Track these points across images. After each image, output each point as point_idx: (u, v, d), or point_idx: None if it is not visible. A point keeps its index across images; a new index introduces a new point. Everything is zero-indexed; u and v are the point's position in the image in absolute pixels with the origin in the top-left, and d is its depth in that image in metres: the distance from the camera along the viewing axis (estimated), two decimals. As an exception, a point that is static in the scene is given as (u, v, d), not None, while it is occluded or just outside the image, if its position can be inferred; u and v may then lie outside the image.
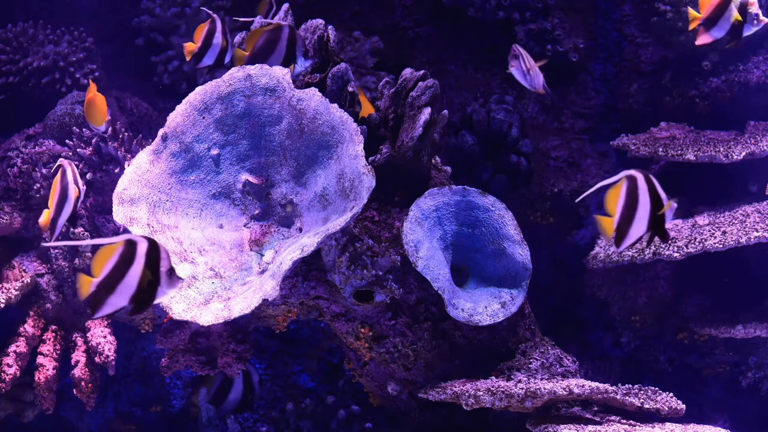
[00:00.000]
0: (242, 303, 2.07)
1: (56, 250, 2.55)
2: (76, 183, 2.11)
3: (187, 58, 2.26)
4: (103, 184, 2.55)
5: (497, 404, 2.06)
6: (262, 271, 2.19)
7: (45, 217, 2.11)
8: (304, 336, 2.84)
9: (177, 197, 2.28)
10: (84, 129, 2.59)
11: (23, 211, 2.60)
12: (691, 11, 2.26)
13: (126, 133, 2.61)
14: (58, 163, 2.12)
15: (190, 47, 2.24)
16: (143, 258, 1.65)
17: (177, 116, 2.30)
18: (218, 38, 2.22)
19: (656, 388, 2.22)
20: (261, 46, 2.16)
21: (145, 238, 1.66)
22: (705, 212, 2.58)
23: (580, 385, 2.03)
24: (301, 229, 2.27)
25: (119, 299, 1.67)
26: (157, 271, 1.67)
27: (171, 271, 1.69)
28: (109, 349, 2.46)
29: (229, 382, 2.60)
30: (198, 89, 2.32)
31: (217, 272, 2.21)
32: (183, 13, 2.95)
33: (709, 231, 2.41)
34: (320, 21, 2.40)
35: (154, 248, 1.66)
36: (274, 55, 2.16)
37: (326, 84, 2.32)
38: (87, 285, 1.65)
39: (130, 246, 1.65)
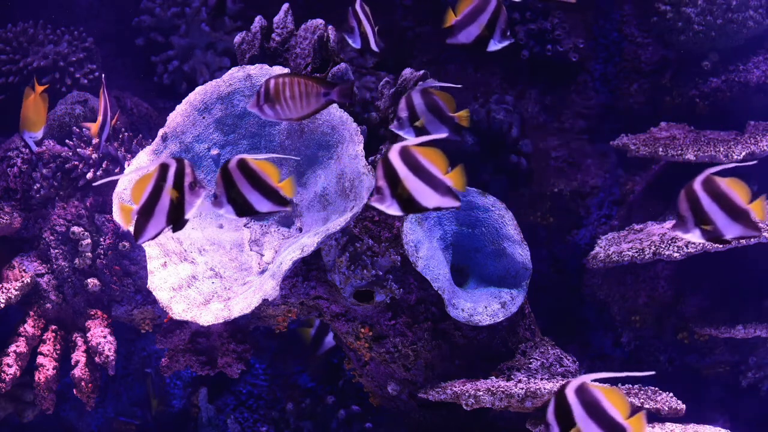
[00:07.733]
0: (242, 303, 2.07)
1: (56, 250, 2.55)
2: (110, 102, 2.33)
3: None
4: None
5: (497, 404, 2.06)
6: (262, 271, 2.19)
7: (94, 128, 2.37)
8: (305, 336, 2.83)
9: (177, 197, 2.28)
10: (84, 129, 2.59)
11: (23, 211, 2.59)
12: None
13: (126, 133, 2.61)
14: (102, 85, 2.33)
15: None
16: (172, 178, 1.70)
17: (177, 116, 2.30)
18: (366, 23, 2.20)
19: (656, 388, 2.22)
20: (467, 13, 2.14)
21: (176, 159, 1.70)
22: (705, 212, 2.58)
23: (580, 385, 2.03)
24: (301, 229, 2.27)
25: (158, 222, 1.71)
26: (181, 187, 1.71)
27: (193, 184, 1.72)
28: (109, 349, 2.46)
29: (325, 326, 2.50)
30: (198, 89, 2.32)
31: (217, 272, 2.21)
32: (183, 13, 2.94)
33: (709, 231, 2.40)
34: (320, 21, 2.40)
35: (180, 166, 1.70)
36: (475, 24, 2.14)
37: (326, 84, 2.32)
38: (127, 214, 1.71)
39: (164, 170, 1.69)
